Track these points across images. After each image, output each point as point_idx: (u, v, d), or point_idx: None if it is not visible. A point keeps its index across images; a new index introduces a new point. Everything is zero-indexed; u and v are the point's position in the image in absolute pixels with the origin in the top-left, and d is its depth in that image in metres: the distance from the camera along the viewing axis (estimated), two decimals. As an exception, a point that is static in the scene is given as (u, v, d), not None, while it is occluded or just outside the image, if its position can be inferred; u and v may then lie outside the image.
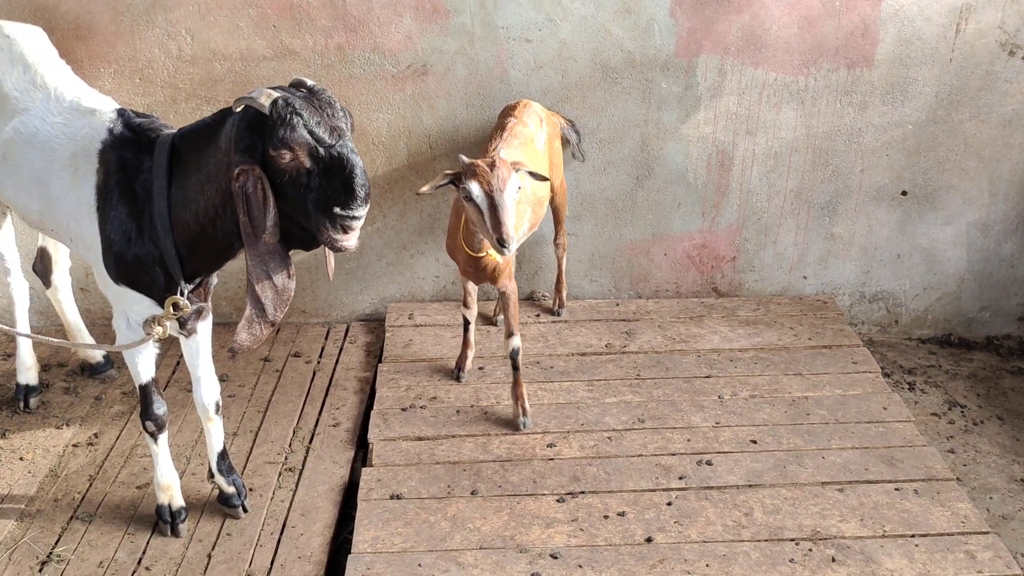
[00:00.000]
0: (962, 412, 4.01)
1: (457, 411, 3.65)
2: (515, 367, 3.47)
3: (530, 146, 3.49)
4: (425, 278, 4.39)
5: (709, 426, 3.55)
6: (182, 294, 2.67)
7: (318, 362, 4.12)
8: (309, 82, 2.43)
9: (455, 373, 3.80)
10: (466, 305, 3.70)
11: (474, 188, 2.92)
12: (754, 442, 3.46)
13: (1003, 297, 4.47)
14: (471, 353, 3.81)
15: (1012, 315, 4.51)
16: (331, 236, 2.38)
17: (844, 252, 4.37)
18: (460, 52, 3.89)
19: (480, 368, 3.93)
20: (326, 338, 4.31)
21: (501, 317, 4.04)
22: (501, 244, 2.88)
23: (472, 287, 3.62)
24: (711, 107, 4.03)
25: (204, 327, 2.95)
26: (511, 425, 3.54)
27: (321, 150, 2.29)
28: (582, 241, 4.30)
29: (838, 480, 3.26)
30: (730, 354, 4.02)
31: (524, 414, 3.49)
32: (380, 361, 4.03)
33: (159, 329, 2.72)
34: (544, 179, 3.12)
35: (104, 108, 2.74)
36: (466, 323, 3.74)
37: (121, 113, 2.71)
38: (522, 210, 3.26)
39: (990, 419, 3.96)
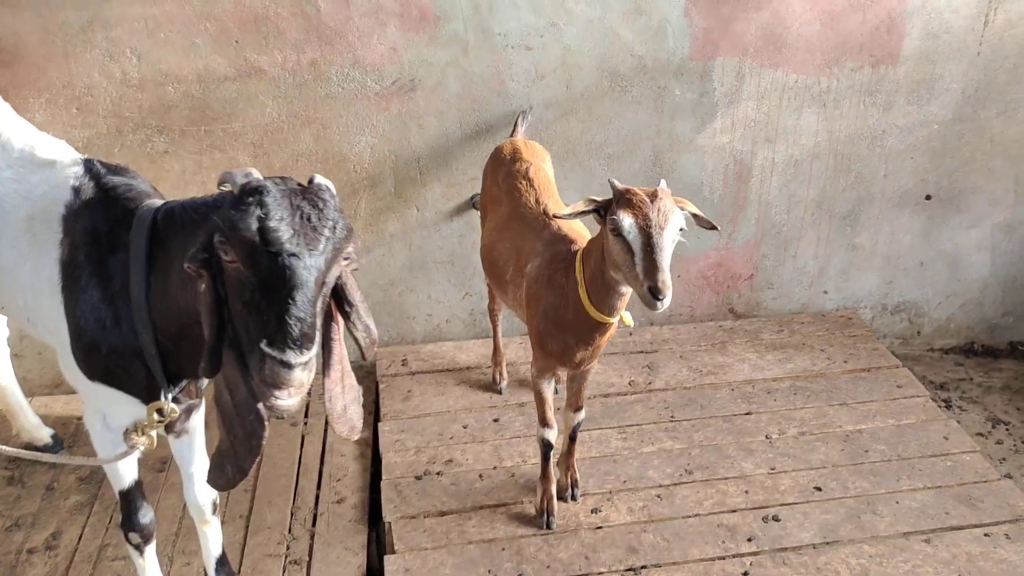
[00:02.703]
0: (1007, 430, 3.75)
1: (480, 475, 3.19)
2: (573, 438, 3.00)
3: (556, 193, 3.02)
4: (416, 317, 3.90)
5: (764, 473, 3.18)
6: (167, 397, 2.15)
7: (305, 422, 3.59)
8: (320, 178, 1.88)
9: (542, 521, 2.96)
10: (546, 422, 2.88)
11: (626, 221, 2.27)
12: (818, 489, 3.10)
13: (1026, 300, 4.25)
14: (554, 490, 2.99)
15: (1035, 318, 4.30)
16: (259, 385, 1.72)
17: (866, 263, 4.07)
18: (452, 63, 3.42)
19: (495, 420, 3.47)
20: (309, 393, 3.78)
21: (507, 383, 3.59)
22: (654, 294, 2.21)
23: (551, 393, 2.91)
24: (728, 114, 3.67)
25: (196, 421, 2.42)
26: (546, 489, 3.10)
27: (264, 254, 1.71)
28: (589, 267, 3.88)
29: (921, 529, 2.93)
30: (765, 385, 3.66)
31: (575, 485, 3.05)
32: (378, 419, 3.54)
33: (143, 440, 2.21)
34: (713, 227, 2.51)
35: (64, 159, 2.18)
36: (547, 447, 2.92)
37: (89, 167, 2.16)
38: None
39: (1038, 436, 3.71)
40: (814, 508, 3.02)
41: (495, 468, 3.22)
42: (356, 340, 2.00)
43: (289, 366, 1.66)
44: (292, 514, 3.12)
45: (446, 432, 3.41)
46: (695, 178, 3.77)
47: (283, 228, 1.72)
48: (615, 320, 2.55)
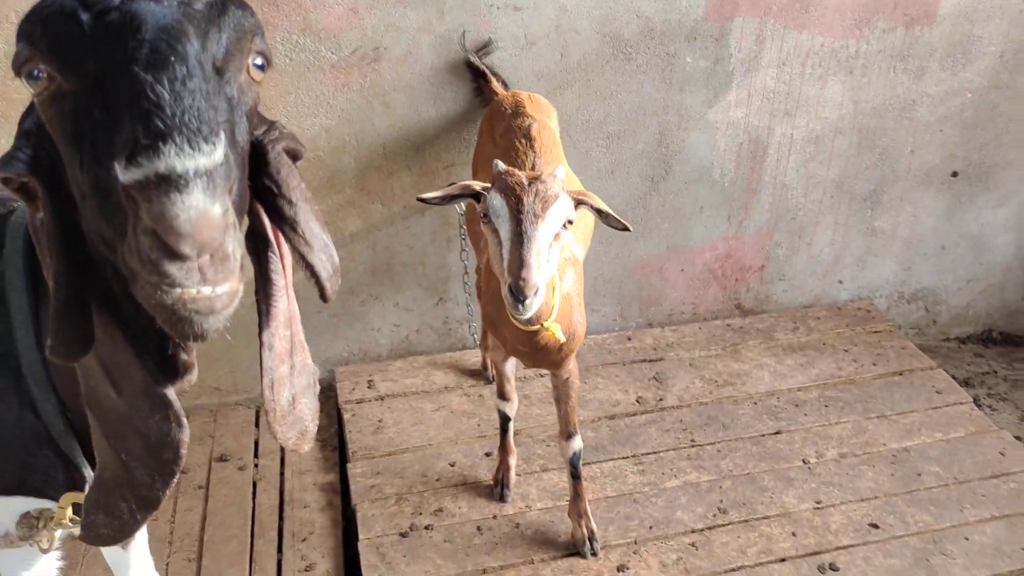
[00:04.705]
0: (1046, 432, 3.39)
1: (478, 528, 2.65)
2: (575, 475, 2.50)
3: (563, 156, 2.51)
4: (381, 329, 3.31)
5: (809, 508, 2.73)
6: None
7: (255, 466, 2.99)
8: None
9: (497, 492, 2.74)
10: (503, 395, 2.62)
11: (496, 202, 1.94)
12: (875, 526, 2.66)
13: (1047, 283, 3.89)
14: (514, 461, 2.76)
15: (1055, 302, 3.95)
16: (142, 273, 0.92)
17: (885, 248, 3.64)
18: (425, 28, 2.81)
19: (487, 454, 2.93)
20: (257, 425, 3.19)
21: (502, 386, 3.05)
22: (515, 295, 1.87)
23: (510, 369, 2.58)
24: (744, 85, 3.15)
25: None
26: (559, 544, 2.59)
27: (89, 31, 0.95)
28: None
29: (1001, 573, 2.51)
30: (790, 396, 3.20)
31: (592, 538, 2.53)
32: (345, 458, 2.96)
33: (44, 535, 1.57)
34: (625, 228, 2.07)
35: None
36: (505, 420, 2.66)
37: None
38: (561, 264, 2.21)
39: (1079, 437, 3.36)
40: (875, 551, 2.57)
41: (495, 517, 2.69)
42: (309, 265, 1.18)
43: (175, 181, 0.86)
44: (250, 589, 2.54)
45: (430, 472, 2.86)
46: (705, 159, 3.25)
47: None
48: (535, 328, 2.09)
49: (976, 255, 3.74)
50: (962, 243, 3.70)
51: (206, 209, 0.88)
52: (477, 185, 2.05)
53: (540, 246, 1.90)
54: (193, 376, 1.23)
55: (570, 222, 1.99)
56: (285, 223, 1.16)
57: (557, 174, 2.01)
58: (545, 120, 2.55)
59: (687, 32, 3.00)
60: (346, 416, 3.09)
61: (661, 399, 3.17)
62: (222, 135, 0.92)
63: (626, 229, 2.08)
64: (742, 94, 3.16)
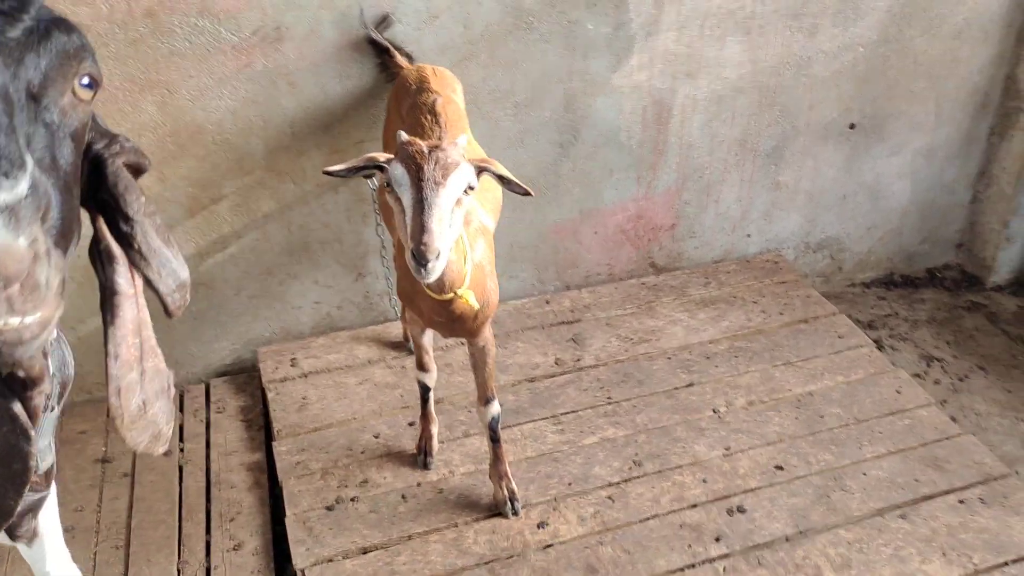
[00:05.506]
0: (942, 367, 3.60)
1: (403, 496, 2.73)
2: (495, 439, 2.59)
3: (468, 129, 2.57)
4: (302, 307, 3.34)
5: (719, 455, 2.87)
6: None
7: (181, 450, 3.01)
8: None
9: (420, 460, 2.81)
10: (422, 366, 2.69)
11: (396, 171, 1.98)
12: (780, 468, 2.81)
13: (942, 226, 4.08)
14: (435, 429, 2.83)
15: (950, 243, 4.15)
16: None
17: (789, 202, 3.78)
18: (326, 5, 2.81)
19: (411, 424, 3.00)
20: (181, 409, 3.20)
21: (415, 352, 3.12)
22: (417, 259, 1.91)
23: (427, 340, 2.64)
24: (646, 48, 3.22)
25: (47, 514, 1.83)
26: (482, 506, 2.68)
27: None
28: (497, 233, 3.40)
29: (894, 503, 2.69)
30: (702, 349, 3.34)
31: (513, 498, 2.63)
32: (270, 437, 3.00)
33: None
34: (527, 193, 2.16)
35: None
36: (425, 390, 2.74)
37: None
38: (472, 234, 2.28)
39: (972, 372, 3.57)
40: (779, 491, 2.73)
41: (419, 485, 2.77)
42: (148, 281, 1.26)
43: None
44: (179, 571, 2.58)
45: (355, 445, 2.92)
46: (611, 123, 3.33)
47: None
48: (449, 297, 2.17)
49: (874, 203, 3.91)
50: (861, 192, 3.86)
51: (8, 244, 0.89)
52: (381, 156, 2.08)
53: (441, 212, 1.94)
54: (45, 386, 1.27)
55: (471, 188, 2.03)
56: (122, 238, 1.20)
57: (459, 142, 2.05)
58: (450, 95, 2.60)
59: None
60: (270, 395, 3.13)
61: (579, 359, 3.28)
62: (27, 166, 0.94)
63: (527, 194, 2.13)
64: (644, 58, 3.23)
